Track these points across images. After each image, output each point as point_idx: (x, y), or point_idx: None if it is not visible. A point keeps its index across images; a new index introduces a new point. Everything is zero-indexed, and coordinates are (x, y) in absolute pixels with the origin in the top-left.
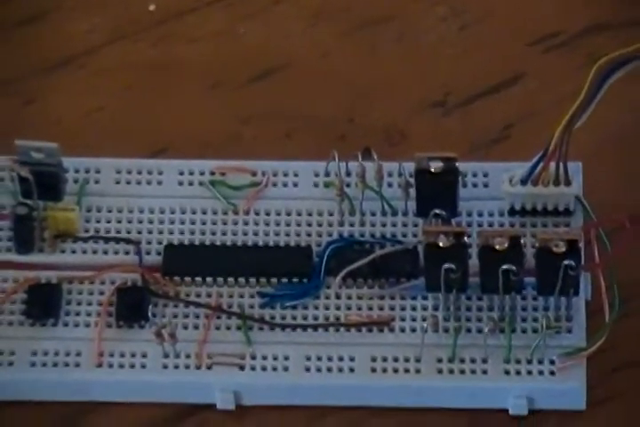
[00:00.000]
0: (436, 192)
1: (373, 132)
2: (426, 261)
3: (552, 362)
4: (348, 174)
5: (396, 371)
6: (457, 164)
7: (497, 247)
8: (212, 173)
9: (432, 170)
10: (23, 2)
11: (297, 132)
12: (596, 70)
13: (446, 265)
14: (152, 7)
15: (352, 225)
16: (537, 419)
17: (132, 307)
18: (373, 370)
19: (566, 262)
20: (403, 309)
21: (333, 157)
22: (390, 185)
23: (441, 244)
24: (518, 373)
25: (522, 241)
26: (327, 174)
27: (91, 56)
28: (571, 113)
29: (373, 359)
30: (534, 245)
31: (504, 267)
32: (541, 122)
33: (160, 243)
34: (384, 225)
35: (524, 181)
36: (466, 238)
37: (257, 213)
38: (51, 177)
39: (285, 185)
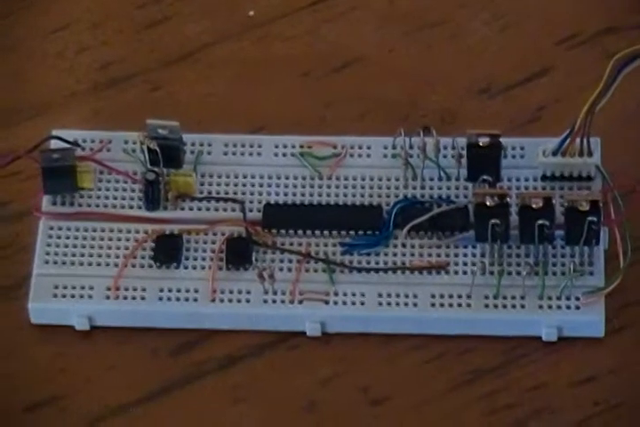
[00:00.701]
0: (483, 162)
1: (432, 114)
2: (475, 217)
3: (577, 299)
4: (411, 147)
5: (450, 305)
6: (500, 139)
7: (533, 206)
8: (302, 147)
9: (480, 144)
10: (150, 8)
11: (369, 114)
12: (613, 64)
13: (492, 220)
14: (251, 13)
15: (415, 188)
16: (565, 344)
17: (238, 254)
18: (432, 305)
19: (589, 219)
20: (456, 256)
21: (399, 133)
22: (445, 156)
23: (488, 203)
24: (550, 307)
25: (553, 201)
26: (394, 147)
27: (204, 52)
28: (592, 99)
29: (432, 296)
30: (563, 204)
31: (539, 222)
32: (568, 106)
33: (260, 202)
34: (440, 188)
35: (554, 153)
36: (508, 199)
37: (338, 179)
38: (173, 149)
39: (360, 156)
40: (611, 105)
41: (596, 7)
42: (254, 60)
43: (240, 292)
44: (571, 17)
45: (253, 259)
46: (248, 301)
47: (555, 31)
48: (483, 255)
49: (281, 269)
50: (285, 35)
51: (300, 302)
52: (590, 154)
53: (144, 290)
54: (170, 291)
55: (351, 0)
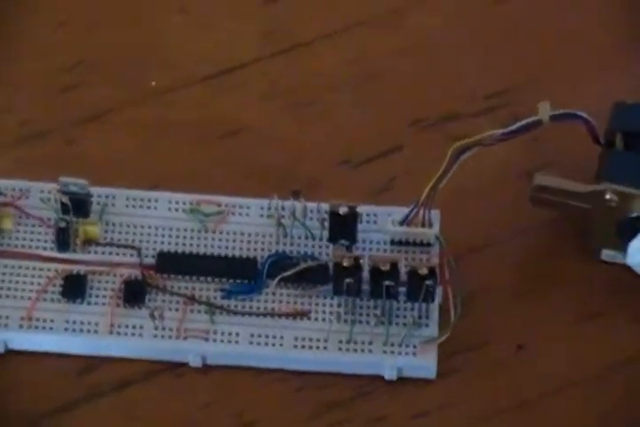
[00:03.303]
0: (342, 227)
1: (302, 180)
2: (334, 274)
3: (415, 346)
4: (283, 209)
5: (310, 347)
6: (357, 208)
7: (382, 268)
8: (191, 204)
9: (340, 212)
10: (65, 75)
11: (250, 177)
12: (452, 151)
13: (347, 279)
14: (154, 83)
15: (285, 245)
16: (404, 383)
17: (134, 293)
18: (295, 346)
19: (427, 282)
20: (317, 305)
21: (274, 197)
22: (312, 219)
23: (344, 264)
24: (392, 352)
25: (399, 265)
26: (269, 208)
27: (111, 115)
28: (434, 179)
29: (296, 338)
30: (407, 267)
31: (386, 282)
32: (416, 179)
33: (155, 250)
34: (306, 246)
35: (401, 223)
36: (361, 261)
37: (221, 233)
38: (81, 201)
39: (241, 214)
40: (451, 181)
41: (441, 95)
42: (154, 125)
43: (134, 326)
44: (420, 103)
45: (146, 299)
46: (141, 335)
47: (407, 114)
48: (339, 306)
49: (170, 309)
50: (182, 104)
51: (185, 337)
52: (431, 225)
53: (52, 321)
54: (74, 322)
55: (239, 77)
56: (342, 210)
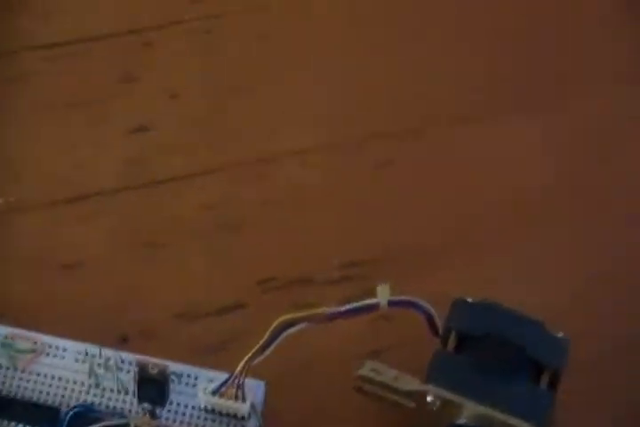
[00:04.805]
0: (152, 386)
1: (133, 327)
2: None
3: None
4: (101, 357)
5: None
6: (171, 368)
7: None
8: (6, 337)
9: (149, 371)
10: None
11: (79, 318)
12: (277, 324)
13: None
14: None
15: (95, 396)
16: None
17: None
18: None
19: None
20: None
21: (92, 343)
22: (128, 371)
23: None
24: None
25: None
26: (86, 354)
27: None
28: (251, 353)
29: None
30: None
31: None
32: (251, 341)
33: None
34: (117, 400)
35: (214, 393)
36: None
37: (30, 373)
38: None
39: (56, 356)
40: (289, 349)
41: (297, 256)
42: None
43: None
44: (273, 261)
45: None
46: None
47: (256, 272)
48: None
49: None
50: (25, 227)
51: None
52: (244, 399)
53: None
54: None
55: (91, 206)
56: (152, 369)
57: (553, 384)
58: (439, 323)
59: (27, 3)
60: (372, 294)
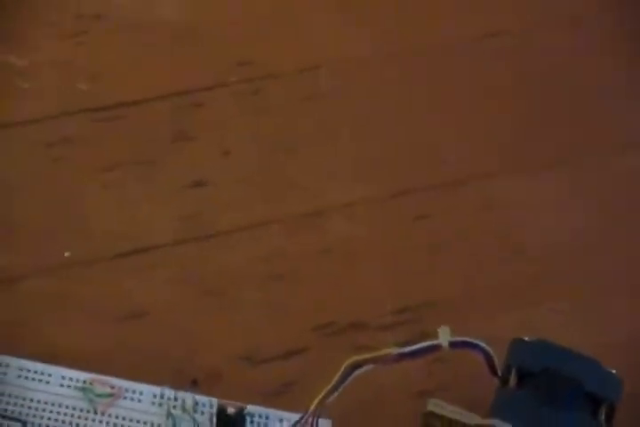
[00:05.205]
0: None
1: (199, 372)
2: None
3: None
4: (176, 400)
5: None
6: (247, 408)
7: None
8: (85, 382)
9: (227, 412)
10: None
11: (147, 363)
12: (346, 366)
13: None
14: (67, 254)
15: None
16: None
17: None
18: None
19: None
20: None
21: (167, 386)
22: (202, 413)
23: None
24: None
25: None
26: (162, 397)
27: (19, 282)
28: (324, 392)
29: None
30: None
31: None
32: (316, 384)
33: (40, 425)
34: None
35: None
36: None
37: (109, 415)
38: None
39: (132, 400)
40: (349, 393)
41: (351, 303)
42: (60, 296)
43: None
44: (327, 308)
45: None
46: None
47: (312, 318)
48: None
49: None
50: (91, 278)
51: None
52: None
53: None
54: None
55: (150, 259)
56: (230, 410)
57: (609, 418)
58: (497, 363)
59: (78, 65)
60: (424, 337)
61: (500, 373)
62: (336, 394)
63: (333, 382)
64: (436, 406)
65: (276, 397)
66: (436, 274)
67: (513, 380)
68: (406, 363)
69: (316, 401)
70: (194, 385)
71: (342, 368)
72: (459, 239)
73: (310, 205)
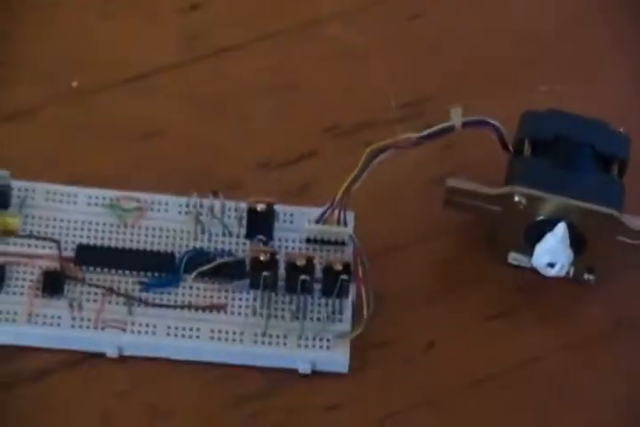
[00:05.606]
0: (260, 224)
1: (221, 181)
2: (250, 269)
3: (328, 340)
4: (202, 207)
5: (226, 339)
6: (274, 206)
7: (297, 264)
8: (111, 199)
9: (258, 209)
10: None
11: (170, 176)
12: (367, 154)
13: (264, 273)
14: (75, 84)
15: (202, 241)
16: (317, 377)
17: (53, 284)
18: (211, 338)
19: (341, 277)
20: (233, 299)
21: (193, 195)
22: (229, 217)
23: (261, 258)
24: (306, 346)
25: (314, 261)
26: (187, 206)
27: (34, 114)
28: (348, 181)
29: (212, 331)
30: (322, 263)
31: (301, 277)
32: (331, 183)
33: (74, 243)
34: (223, 243)
35: (317, 222)
36: (277, 256)
37: (140, 228)
38: (1, 192)
39: (159, 211)
40: (366, 185)
41: (356, 104)
42: (76, 124)
43: (52, 316)
44: (335, 111)
45: (65, 290)
46: (59, 324)
47: (322, 121)
48: (255, 300)
49: (88, 300)
50: (103, 104)
51: (103, 328)
52: (345, 224)
53: None
54: None
55: (159, 81)
56: (260, 207)
57: (621, 174)
58: (508, 139)
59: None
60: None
61: (510, 148)
62: (359, 182)
63: (356, 170)
64: (456, 182)
65: (295, 198)
66: (432, 68)
67: (527, 149)
68: (416, 154)
69: (341, 190)
70: (215, 195)
71: (364, 156)
72: (454, 34)
73: (307, 14)
